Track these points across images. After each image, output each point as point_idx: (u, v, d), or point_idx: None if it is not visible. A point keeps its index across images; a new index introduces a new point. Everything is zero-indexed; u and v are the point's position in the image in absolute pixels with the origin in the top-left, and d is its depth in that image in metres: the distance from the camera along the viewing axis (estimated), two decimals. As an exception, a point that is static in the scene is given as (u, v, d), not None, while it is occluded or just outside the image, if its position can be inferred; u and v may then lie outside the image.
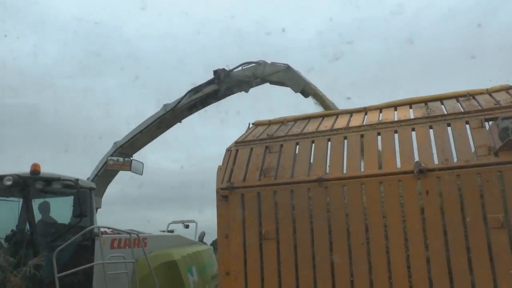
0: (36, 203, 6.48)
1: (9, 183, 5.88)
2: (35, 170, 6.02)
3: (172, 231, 9.73)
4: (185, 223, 10.10)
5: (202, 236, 10.17)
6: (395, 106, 4.90)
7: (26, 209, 6.26)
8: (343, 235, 4.00)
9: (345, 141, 4.44)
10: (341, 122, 4.84)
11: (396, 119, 4.50)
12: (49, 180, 6.12)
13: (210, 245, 9.91)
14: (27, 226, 6.37)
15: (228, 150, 4.89)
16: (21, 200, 6.47)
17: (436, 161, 3.90)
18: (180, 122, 8.83)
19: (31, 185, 6.06)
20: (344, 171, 4.20)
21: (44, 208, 6.62)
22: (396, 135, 4.25)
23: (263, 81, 7.89)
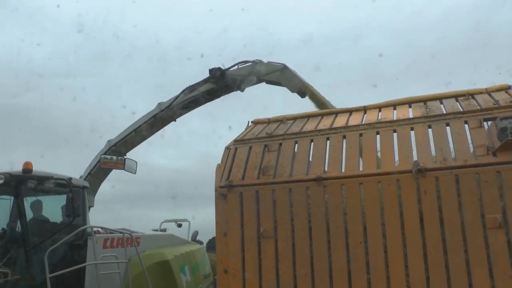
0: (28, 201, 6.38)
1: (0, 181, 5.78)
2: (27, 169, 5.94)
3: (164, 230, 9.68)
4: (178, 222, 10.06)
5: (195, 235, 10.13)
6: (394, 105, 4.91)
7: (18, 208, 6.17)
8: (341, 234, 3.98)
9: (344, 140, 4.43)
10: (340, 121, 4.84)
11: (395, 118, 4.51)
12: (42, 179, 6.03)
13: (206, 244, 9.88)
14: (18, 225, 6.28)
15: (227, 148, 4.86)
16: (12, 198, 6.37)
17: (434, 161, 3.91)
18: (175, 120, 8.76)
19: (23, 184, 5.96)
20: (343, 170, 4.19)
21: (36, 206, 6.53)
22: (395, 135, 4.26)
23: (259, 80, 7.85)
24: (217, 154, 4.91)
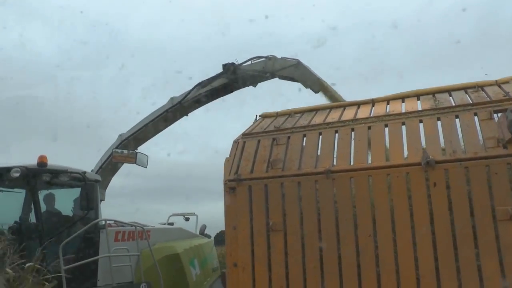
0: (41, 194, 6.49)
1: (16, 175, 5.87)
2: (42, 162, 6.01)
3: (172, 224, 9.74)
4: (186, 216, 10.11)
5: (203, 229, 10.19)
6: (402, 97, 4.88)
7: (33, 201, 6.27)
8: (350, 227, 3.99)
9: (353, 133, 4.42)
10: (349, 114, 4.82)
11: (403, 111, 4.48)
12: (57, 173, 6.12)
13: (214, 237, 9.93)
14: (31, 217, 6.40)
15: (236, 142, 4.88)
16: (25, 191, 6.49)
17: (444, 153, 3.89)
18: (187, 115, 8.81)
19: (38, 177, 6.06)
20: (352, 163, 4.18)
21: (49, 199, 6.64)
22: (403, 127, 4.23)
23: (272, 76, 7.83)
24: (225, 148, 4.95)
